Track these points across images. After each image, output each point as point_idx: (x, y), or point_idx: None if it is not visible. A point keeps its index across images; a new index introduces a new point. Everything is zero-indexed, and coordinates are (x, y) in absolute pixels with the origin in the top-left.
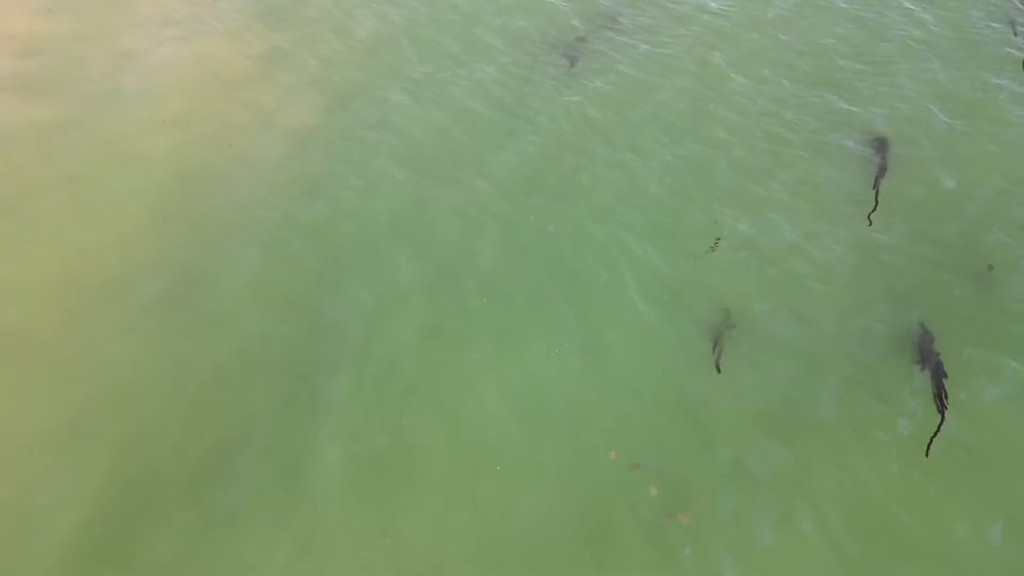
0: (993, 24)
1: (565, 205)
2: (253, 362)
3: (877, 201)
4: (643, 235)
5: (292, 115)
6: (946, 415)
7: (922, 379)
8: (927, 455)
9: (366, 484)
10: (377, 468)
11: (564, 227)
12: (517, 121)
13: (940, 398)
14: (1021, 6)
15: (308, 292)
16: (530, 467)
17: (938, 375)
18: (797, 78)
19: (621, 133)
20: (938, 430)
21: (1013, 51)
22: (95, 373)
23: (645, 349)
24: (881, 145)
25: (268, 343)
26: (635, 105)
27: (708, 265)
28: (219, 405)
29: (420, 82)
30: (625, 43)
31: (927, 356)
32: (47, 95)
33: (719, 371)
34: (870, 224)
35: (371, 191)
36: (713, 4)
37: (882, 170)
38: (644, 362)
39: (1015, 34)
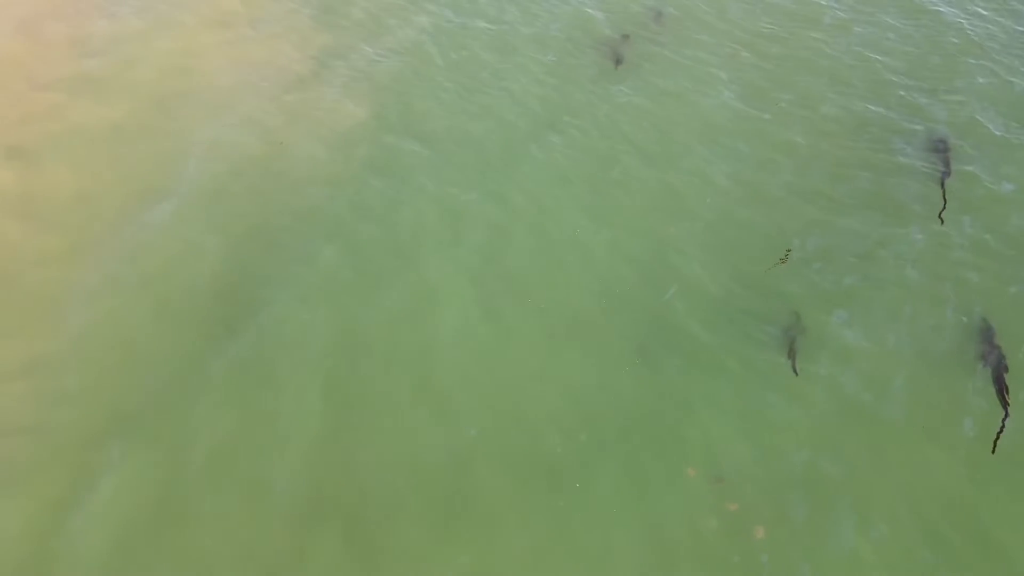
0: None
1: (610, 217)
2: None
3: (945, 200)
4: (704, 248)
5: (334, 117)
6: (1009, 411)
7: (984, 376)
8: (993, 452)
9: None
10: None
11: (611, 240)
12: (554, 128)
13: (1002, 393)
14: None
15: (341, 294)
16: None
17: (999, 370)
18: (853, 87)
19: (672, 142)
20: (1003, 426)
21: None
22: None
23: (708, 362)
24: (943, 146)
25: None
26: (684, 114)
27: (777, 277)
28: None
29: (454, 87)
30: (671, 46)
31: (989, 351)
32: (113, 96)
33: (796, 373)
34: (942, 223)
35: (399, 199)
36: (759, 10)
37: (946, 168)
38: (713, 374)
39: None
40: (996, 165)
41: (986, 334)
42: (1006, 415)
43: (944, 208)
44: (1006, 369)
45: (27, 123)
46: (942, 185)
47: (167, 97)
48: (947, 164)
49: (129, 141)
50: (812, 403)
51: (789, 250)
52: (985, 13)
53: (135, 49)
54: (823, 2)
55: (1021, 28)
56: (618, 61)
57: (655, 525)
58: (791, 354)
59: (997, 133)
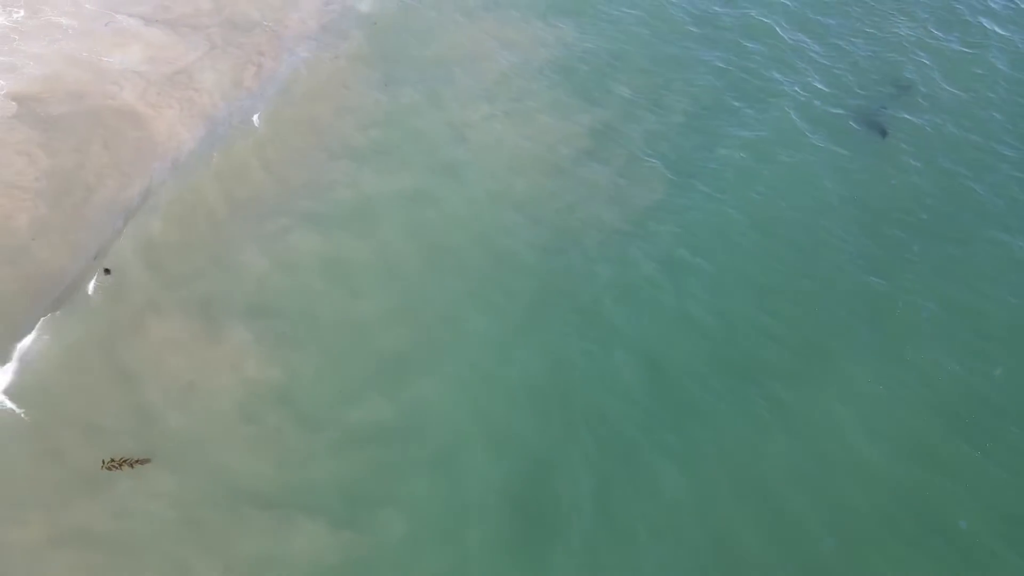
0: None
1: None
2: None
3: None
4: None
5: (627, 191)
6: None
7: None
8: None
9: None
10: None
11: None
12: (837, 198)
13: None
14: None
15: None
16: None
17: None
18: None
19: (955, 214)
20: None
21: None
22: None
23: None
24: None
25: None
26: (961, 183)
27: None
28: None
29: (738, 158)
30: (927, 114)
31: None
32: (395, 166)
33: None
34: None
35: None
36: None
37: None
38: None
39: None
40: None
41: None
42: None
43: None
44: None
45: (328, 189)
46: None
47: (448, 170)
48: None
49: (418, 209)
50: None
51: None
52: None
53: (412, 121)
54: None
55: None
56: (883, 133)
57: None
58: None
59: None
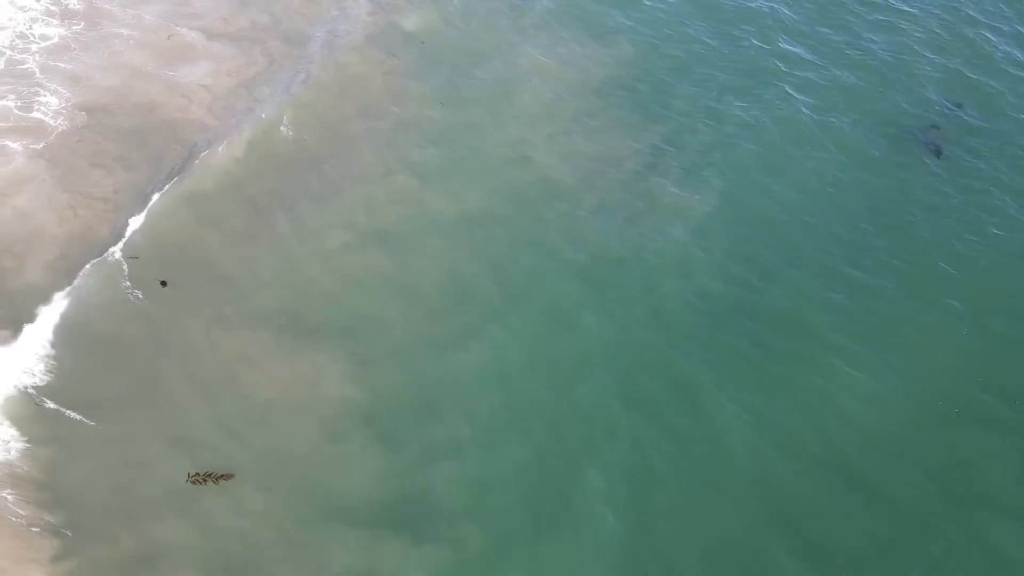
0: None
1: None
2: None
3: None
4: None
5: (680, 200)
6: None
7: None
8: None
9: None
10: None
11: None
12: (880, 215)
13: None
14: None
15: None
16: None
17: None
18: None
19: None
20: None
21: None
22: None
23: None
24: None
25: None
26: (1010, 208)
27: None
28: None
29: (788, 173)
30: (982, 133)
31: None
32: (456, 185)
33: None
34: None
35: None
36: None
37: None
38: None
39: None
40: None
41: None
42: None
43: None
44: None
45: (390, 205)
46: None
47: (510, 188)
48: None
49: (482, 228)
50: None
51: None
52: None
53: (471, 139)
54: None
55: None
56: (938, 153)
57: None
58: None
59: None
